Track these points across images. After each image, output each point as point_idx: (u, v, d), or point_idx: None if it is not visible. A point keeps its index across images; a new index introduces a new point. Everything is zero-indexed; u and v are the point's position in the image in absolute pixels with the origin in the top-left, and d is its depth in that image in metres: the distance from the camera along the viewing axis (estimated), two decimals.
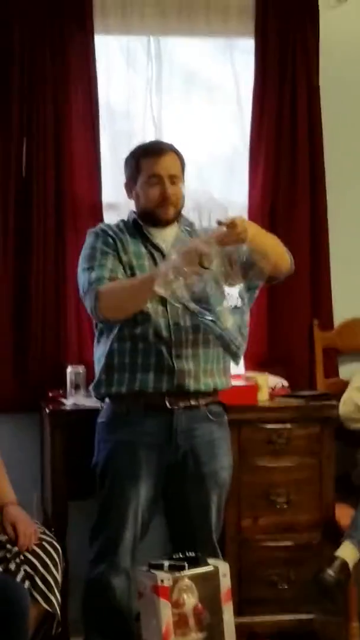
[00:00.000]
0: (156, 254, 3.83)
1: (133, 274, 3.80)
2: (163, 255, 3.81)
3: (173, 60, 4.93)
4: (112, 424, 3.83)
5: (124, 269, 3.80)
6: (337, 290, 4.91)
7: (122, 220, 3.98)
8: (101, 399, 3.90)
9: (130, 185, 3.92)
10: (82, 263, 3.88)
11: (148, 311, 3.74)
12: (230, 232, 3.45)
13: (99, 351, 3.89)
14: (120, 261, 3.80)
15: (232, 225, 3.45)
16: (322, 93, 4.91)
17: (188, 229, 3.92)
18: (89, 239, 3.92)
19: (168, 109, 4.89)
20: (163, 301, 3.77)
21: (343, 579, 4.09)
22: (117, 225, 3.93)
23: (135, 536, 3.83)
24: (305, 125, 4.88)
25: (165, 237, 3.85)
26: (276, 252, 3.76)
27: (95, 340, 3.95)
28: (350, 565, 4.12)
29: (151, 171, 3.82)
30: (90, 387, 3.95)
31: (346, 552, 4.13)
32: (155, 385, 3.76)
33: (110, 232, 3.87)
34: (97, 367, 3.88)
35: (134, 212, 3.95)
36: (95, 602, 3.86)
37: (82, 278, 3.82)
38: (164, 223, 3.87)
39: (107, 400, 3.86)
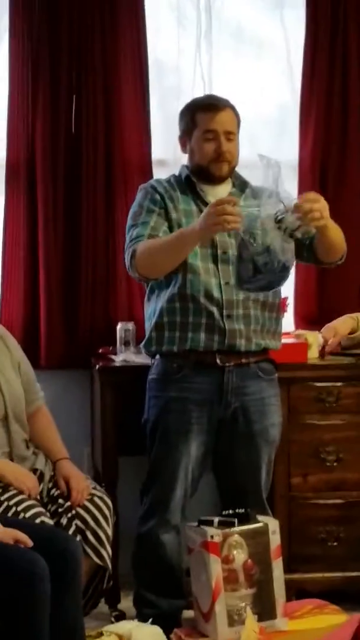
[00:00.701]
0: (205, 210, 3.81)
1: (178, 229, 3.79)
2: None
3: (222, 16, 4.88)
4: (163, 380, 3.83)
5: (171, 227, 3.79)
6: None
7: (174, 175, 3.96)
8: (152, 356, 3.91)
9: (184, 140, 3.90)
10: (129, 220, 3.89)
11: (198, 270, 3.74)
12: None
13: (150, 309, 3.89)
14: (169, 219, 3.79)
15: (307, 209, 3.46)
16: None
17: (240, 188, 3.88)
18: (138, 196, 3.92)
19: (217, 65, 4.86)
20: (214, 260, 3.76)
21: None
22: (168, 181, 3.91)
23: (185, 492, 3.85)
24: (358, 82, 4.82)
25: (218, 194, 3.81)
26: (339, 246, 3.79)
27: (146, 298, 3.95)
28: None
29: (207, 126, 3.79)
30: (141, 345, 3.95)
31: None
32: (206, 345, 3.76)
33: (160, 189, 3.86)
34: (148, 325, 3.89)
35: (187, 167, 3.92)
36: (145, 557, 3.89)
37: (127, 236, 3.84)
38: (217, 180, 3.84)
39: (157, 357, 3.87)
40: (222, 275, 3.77)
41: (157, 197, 3.84)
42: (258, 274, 3.51)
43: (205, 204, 3.80)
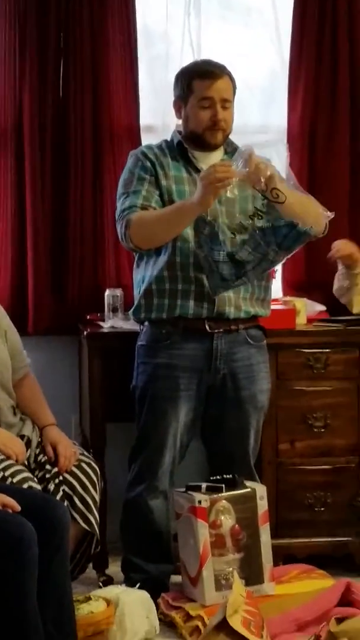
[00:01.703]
0: (198, 179, 3.79)
1: (171, 200, 3.78)
2: None
3: None
4: (152, 347, 3.84)
5: (161, 194, 3.78)
6: None
7: (165, 141, 3.94)
8: (140, 323, 3.90)
9: (178, 105, 3.87)
10: (119, 188, 3.87)
11: (188, 238, 3.73)
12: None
13: (139, 276, 3.88)
14: (159, 186, 3.78)
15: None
16: None
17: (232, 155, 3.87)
18: (129, 162, 3.90)
19: (206, 33, 4.82)
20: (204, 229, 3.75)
21: None
22: (159, 147, 3.89)
23: (173, 458, 3.86)
24: (347, 48, 4.78)
25: (210, 161, 3.79)
26: (308, 218, 3.74)
27: (135, 265, 3.94)
28: None
29: (203, 94, 3.77)
30: (130, 312, 3.95)
31: None
32: (195, 312, 3.76)
33: (151, 156, 3.84)
34: (137, 292, 3.89)
35: (179, 132, 3.90)
36: (133, 523, 3.90)
37: (118, 204, 3.82)
38: (211, 147, 3.83)
39: (146, 323, 3.87)
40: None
41: (148, 164, 3.82)
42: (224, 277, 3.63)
43: (197, 170, 3.79)
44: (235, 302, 3.78)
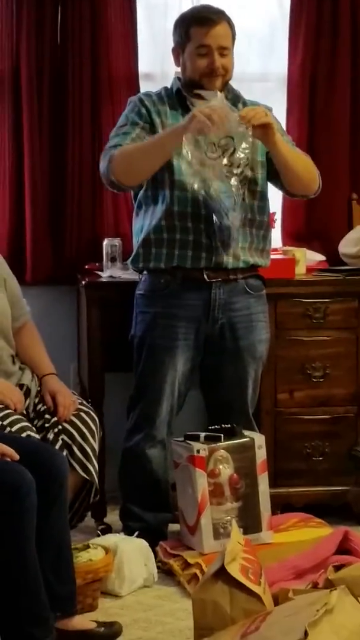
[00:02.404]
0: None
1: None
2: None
3: None
4: (150, 296, 3.83)
5: None
6: None
7: (165, 88, 3.90)
8: (139, 272, 3.89)
9: (177, 52, 3.83)
10: (112, 131, 3.86)
11: (187, 187, 3.70)
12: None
13: (137, 225, 3.87)
14: (153, 133, 3.74)
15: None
16: None
17: (232, 102, 3.83)
18: (127, 108, 3.88)
19: None
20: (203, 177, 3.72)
21: None
22: (159, 94, 3.85)
23: (172, 408, 3.87)
24: None
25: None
26: (303, 175, 3.78)
27: (134, 214, 3.92)
28: None
29: (200, 41, 3.72)
30: (128, 261, 3.94)
31: None
32: (193, 262, 3.75)
33: (148, 103, 3.80)
34: (135, 241, 3.87)
35: (179, 79, 3.86)
36: (131, 471, 3.92)
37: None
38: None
39: (145, 273, 3.85)
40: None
41: (144, 110, 3.79)
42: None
43: None
44: (234, 251, 3.76)
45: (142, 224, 3.83)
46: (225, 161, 3.57)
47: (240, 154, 3.56)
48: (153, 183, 3.77)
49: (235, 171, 3.58)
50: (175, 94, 3.84)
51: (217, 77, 3.75)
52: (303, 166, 3.82)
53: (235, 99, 3.85)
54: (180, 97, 3.82)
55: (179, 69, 3.89)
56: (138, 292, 3.89)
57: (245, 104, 3.84)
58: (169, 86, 3.91)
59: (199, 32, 3.73)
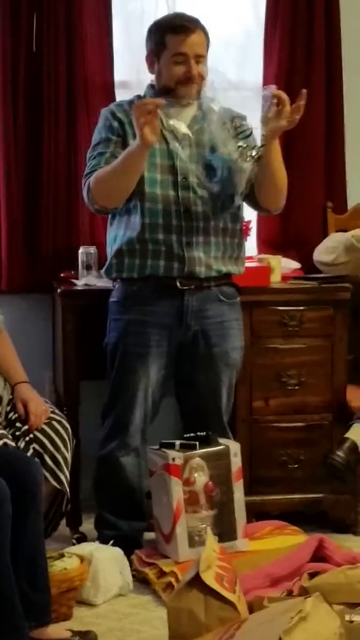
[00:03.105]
0: (169, 136, 3.77)
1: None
2: (177, 138, 3.76)
3: None
4: (124, 303, 3.83)
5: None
6: (351, 173, 4.85)
7: (138, 96, 3.90)
8: (113, 280, 3.89)
9: (151, 59, 3.84)
10: (89, 150, 3.86)
11: (157, 198, 3.71)
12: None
13: (111, 234, 3.87)
14: (126, 146, 3.73)
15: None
16: None
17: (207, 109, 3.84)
18: (99, 122, 3.88)
19: None
20: (175, 186, 3.73)
21: (353, 460, 4.11)
22: (131, 102, 3.84)
23: (145, 415, 3.86)
24: (322, 3, 4.76)
25: (182, 117, 3.78)
26: (282, 186, 3.85)
27: (108, 223, 3.92)
28: None
29: (177, 49, 3.73)
30: (102, 270, 3.94)
31: (356, 434, 4.15)
32: (166, 271, 3.76)
33: (119, 114, 3.80)
34: (109, 250, 3.88)
35: (152, 86, 3.87)
36: (105, 479, 3.91)
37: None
38: (184, 102, 3.79)
39: (118, 280, 3.85)
40: (183, 202, 3.74)
41: (115, 123, 3.79)
42: None
43: (168, 127, 3.76)
44: (205, 261, 3.77)
45: (116, 234, 3.83)
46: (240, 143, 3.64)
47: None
48: None
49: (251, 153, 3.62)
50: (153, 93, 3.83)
51: (193, 84, 3.75)
52: (284, 179, 3.85)
53: (211, 102, 3.86)
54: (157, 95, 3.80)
55: (153, 77, 3.89)
56: (111, 300, 3.89)
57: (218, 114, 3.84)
58: (142, 94, 3.91)
59: (175, 40, 3.73)
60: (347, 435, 4.14)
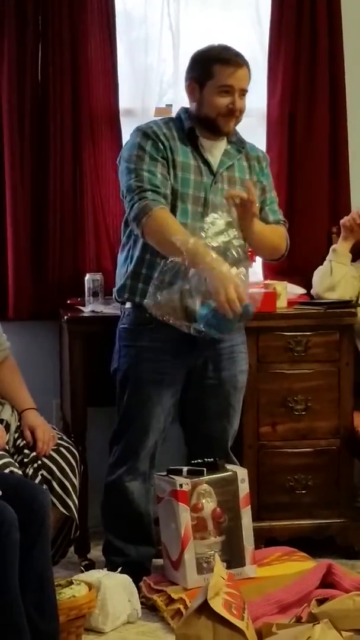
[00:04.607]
0: (204, 169, 3.78)
1: (174, 188, 3.74)
2: (210, 171, 3.79)
3: None
4: (135, 330, 3.83)
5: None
6: (356, 199, 4.85)
7: (172, 120, 3.88)
8: (122, 303, 3.89)
9: (192, 87, 3.80)
10: (127, 162, 3.78)
11: (187, 227, 3.70)
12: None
13: (124, 255, 3.86)
14: (168, 172, 3.74)
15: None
16: None
17: (237, 146, 3.89)
18: (136, 138, 3.81)
19: (185, 16, 4.80)
20: (202, 219, 3.73)
21: None
22: (168, 126, 3.82)
23: (156, 441, 3.86)
24: (325, 29, 4.79)
25: (215, 150, 3.81)
26: (271, 247, 3.96)
27: (124, 241, 3.89)
28: None
29: (225, 81, 3.72)
30: (114, 289, 3.93)
31: None
32: None
33: (162, 138, 3.77)
34: (122, 270, 3.87)
35: (187, 113, 3.84)
36: (113, 505, 3.91)
37: (127, 178, 3.74)
38: (222, 134, 3.80)
39: (128, 305, 3.85)
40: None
41: (161, 146, 3.76)
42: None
43: (204, 159, 3.79)
44: None
45: (132, 254, 3.82)
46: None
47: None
48: None
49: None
50: (187, 131, 3.82)
51: (234, 117, 3.76)
52: (276, 239, 3.93)
53: (240, 143, 3.89)
54: (191, 134, 3.81)
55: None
56: (122, 326, 3.89)
57: (246, 149, 3.92)
58: (174, 117, 3.91)
59: (224, 71, 3.72)
60: None
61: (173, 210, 3.72)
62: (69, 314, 4.22)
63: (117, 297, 3.90)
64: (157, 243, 3.66)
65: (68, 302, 4.42)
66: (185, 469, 3.76)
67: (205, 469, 3.75)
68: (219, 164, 3.82)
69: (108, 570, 3.75)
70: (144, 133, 3.79)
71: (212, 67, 3.75)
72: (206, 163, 3.80)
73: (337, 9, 4.80)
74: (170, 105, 4.72)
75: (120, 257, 3.91)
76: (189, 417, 3.98)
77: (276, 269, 4.74)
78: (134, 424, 3.85)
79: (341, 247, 4.59)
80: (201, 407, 3.90)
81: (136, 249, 3.81)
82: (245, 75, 3.77)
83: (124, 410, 3.88)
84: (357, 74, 4.88)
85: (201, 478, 3.73)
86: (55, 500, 3.48)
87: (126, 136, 4.60)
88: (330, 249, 4.62)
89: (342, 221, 4.60)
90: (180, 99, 4.69)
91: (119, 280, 3.87)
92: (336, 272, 4.54)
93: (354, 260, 4.64)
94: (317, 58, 4.79)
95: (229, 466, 3.82)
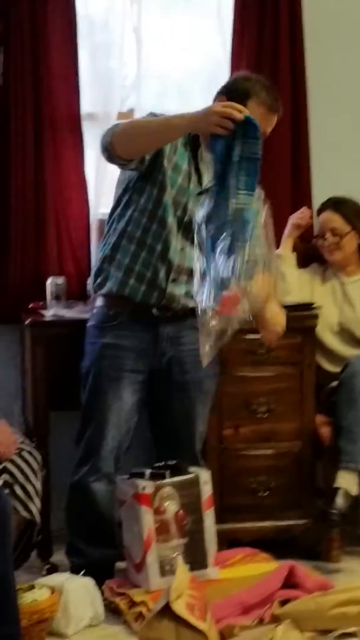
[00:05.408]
0: (194, 177, 3.78)
1: (163, 182, 3.74)
2: (200, 182, 3.78)
3: None
4: (100, 327, 3.85)
5: (157, 167, 3.73)
6: (318, 203, 4.87)
7: None
8: (96, 289, 3.88)
9: (222, 99, 3.70)
10: None
11: (166, 226, 3.73)
12: None
13: (105, 241, 3.87)
14: (159, 161, 3.72)
15: None
16: (303, 1, 4.85)
17: None
18: None
19: (147, 20, 4.80)
20: (179, 223, 3.75)
21: (347, 507, 4.11)
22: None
23: (119, 441, 3.84)
24: (287, 34, 4.81)
25: (211, 166, 3.78)
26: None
27: (105, 230, 3.90)
28: (353, 489, 4.15)
29: (255, 119, 3.50)
30: (91, 275, 3.95)
31: (344, 482, 4.12)
32: (144, 298, 3.76)
33: None
34: (99, 255, 3.90)
35: None
36: (76, 505, 3.89)
37: None
38: None
39: (98, 302, 3.87)
40: (181, 240, 3.77)
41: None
42: None
43: (197, 168, 3.79)
44: (185, 299, 3.80)
45: (110, 240, 3.84)
46: None
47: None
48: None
49: None
50: (190, 136, 3.79)
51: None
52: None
53: None
54: (194, 141, 3.79)
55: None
56: (89, 324, 3.91)
57: None
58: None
59: (257, 109, 3.63)
60: (336, 485, 4.13)
61: (159, 203, 3.73)
62: (31, 318, 4.21)
63: (93, 280, 3.90)
64: (132, 134, 3.62)
65: (30, 306, 4.41)
66: (148, 471, 3.76)
67: (168, 472, 3.75)
68: (210, 181, 3.74)
69: (70, 571, 3.75)
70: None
71: (248, 100, 3.67)
72: (198, 172, 3.80)
73: (299, 13, 4.83)
74: (132, 110, 4.74)
75: (100, 244, 3.92)
76: (155, 419, 3.98)
77: None
78: (93, 420, 3.84)
79: (284, 250, 4.61)
80: (167, 408, 3.91)
81: (114, 236, 3.82)
82: (274, 121, 3.78)
83: (84, 406, 3.89)
84: (318, 78, 4.91)
85: (164, 481, 3.73)
86: (17, 505, 3.47)
87: (88, 140, 4.64)
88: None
89: (293, 221, 4.62)
90: (142, 104, 4.72)
91: (95, 265, 3.90)
92: (288, 277, 4.55)
93: (305, 266, 4.67)
94: (279, 63, 4.81)
95: (191, 468, 3.83)
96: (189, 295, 3.76)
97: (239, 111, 3.32)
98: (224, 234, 3.37)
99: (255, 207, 3.45)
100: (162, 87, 4.87)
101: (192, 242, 3.69)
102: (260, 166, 3.39)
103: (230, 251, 3.37)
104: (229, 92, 3.76)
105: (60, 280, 4.39)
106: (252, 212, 3.42)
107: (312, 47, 4.89)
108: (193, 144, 3.80)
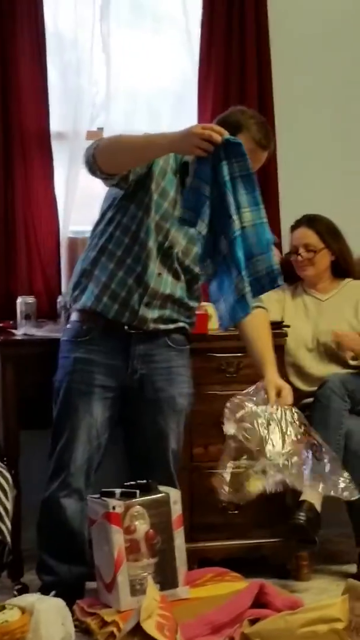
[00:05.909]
0: (179, 204, 3.72)
1: (148, 206, 3.74)
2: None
3: None
4: (72, 342, 3.84)
5: (144, 188, 3.72)
6: (286, 226, 4.90)
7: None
8: (73, 300, 3.87)
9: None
10: None
11: (146, 250, 3.73)
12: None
13: (84, 255, 3.86)
14: (147, 183, 3.72)
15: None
16: (270, 19, 4.90)
17: None
18: None
19: (116, 38, 4.84)
20: (159, 249, 3.74)
21: (313, 518, 4.14)
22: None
23: (90, 457, 3.83)
24: (254, 51, 4.88)
25: None
26: None
27: (88, 242, 3.89)
28: (317, 505, 4.17)
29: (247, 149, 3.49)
30: (69, 287, 3.94)
31: (309, 496, 4.14)
32: (116, 316, 3.76)
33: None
34: (77, 268, 3.88)
35: None
36: (47, 521, 3.87)
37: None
38: None
39: (72, 317, 3.86)
40: (159, 265, 3.77)
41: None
42: None
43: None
44: (158, 319, 3.80)
45: (89, 254, 3.82)
46: None
47: None
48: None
49: None
50: (181, 163, 3.79)
51: None
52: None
53: None
54: (184, 169, 3.76)
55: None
56: (62, 339, 3.91)
57: None
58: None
59: (247, 144, 3.55)
60: (302, 498, 4.16)
61: (140, 226, 3.73)
62: (1, 338, 4.21)
63: (70, 294, 3.90)
64: (114, 150, 3.61)
65: (0, 325, 4.41)
66: (118, 491, 3.75)
67: (138, 491, 3.75)
68: (183, 212, 3.67)
69: (40, 590, 3.74)
70: None
71: (239, 133, 3.66)
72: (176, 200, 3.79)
73: (266, 33, 4.88)
74: (102, 129, 4.75)
75: (80, 257, 3.92)
76: (129, 436, 3.98)
77: (207, 290, 4.77)
78: (63, 435, 3.83)
79: None
80: (139, 426, 3.90)
81: (94, 251, 3.81)
82: (263, 158, 3.78)
83: (55, 421, 3.88)
84: (285, 96, 4.97)
85: (134, 500, 3.72)
86: None
87: (58, 159, 4.65)
88: None
89: None
90: (111, 122, 4.73)
91: (74, 279, 3.89)
92: None
93: None
94: (246, 83, 4.87)
95: (162, 488, 3.82)
96: (160, 319, 3.78)
97: (219, 133, 3.32)
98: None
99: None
100: (132, 106, 4.92)
101: (169, 269, 3.72)
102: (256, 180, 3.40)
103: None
104: (222, 123, 3.72)
105: (30, 299, 4.40)
106: (266, 226, 3.45)
107: (279, 65, 4.94)
108: (182, 171, 3.79)
